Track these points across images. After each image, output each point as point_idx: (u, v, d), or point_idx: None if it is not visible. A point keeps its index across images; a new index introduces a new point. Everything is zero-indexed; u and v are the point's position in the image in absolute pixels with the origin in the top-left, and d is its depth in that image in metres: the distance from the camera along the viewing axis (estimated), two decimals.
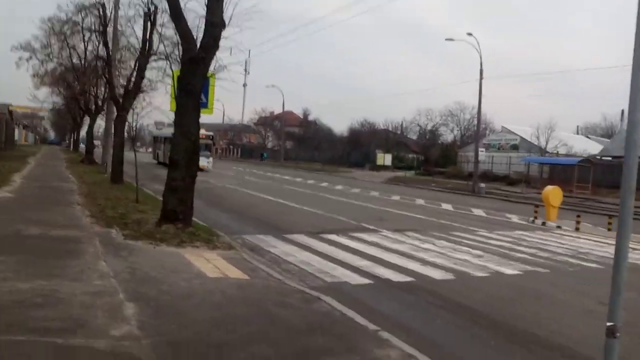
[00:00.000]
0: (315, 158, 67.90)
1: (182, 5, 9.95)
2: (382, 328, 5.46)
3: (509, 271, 9.47)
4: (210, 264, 7.86)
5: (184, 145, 9.89)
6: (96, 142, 40.94)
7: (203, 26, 9.81)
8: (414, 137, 74.58)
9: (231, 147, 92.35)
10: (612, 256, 3.61)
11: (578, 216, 16.60)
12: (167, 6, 16.61)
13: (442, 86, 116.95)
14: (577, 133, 63.33)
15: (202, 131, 30.55)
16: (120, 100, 19.08)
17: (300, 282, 7.61)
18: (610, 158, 40.61)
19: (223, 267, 7.73)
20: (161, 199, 15.85)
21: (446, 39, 35.57)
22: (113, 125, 22.29)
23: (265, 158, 77.06)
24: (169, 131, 30.58)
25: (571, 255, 11.65)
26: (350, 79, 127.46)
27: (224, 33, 9.62)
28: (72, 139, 66.35)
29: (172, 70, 11.51)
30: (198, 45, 9.81)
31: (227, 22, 9.52)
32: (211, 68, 10.43)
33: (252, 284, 6.86)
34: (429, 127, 70.53)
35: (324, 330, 5.21)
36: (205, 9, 9.35)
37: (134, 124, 16.43)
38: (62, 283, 5.90)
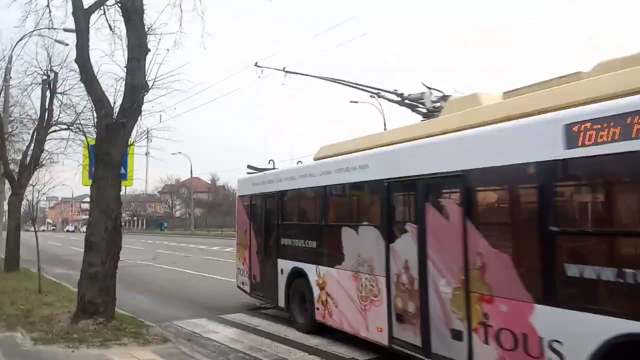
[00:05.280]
0: (227, 224, 65.78)
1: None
2: None
3: None
4: None
5: (103, 223, 8.55)
6: None
7: (118, 91, 8.85)
8: None
9: (135, 218, 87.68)
10: None
11: None
12: (68, 73, 15.46)
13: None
14: None
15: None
16: (16, 178, 16.93)
17: None
18: None
19: None
20: (67, 285, 14.13)
21: (350, 102, 36.09)
22: (6, 205, 19.81)
23: (165, 228, 74.36)
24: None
25: None
26: (253, 140, 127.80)
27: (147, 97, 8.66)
28: None
29: (86, 140, 10.19)
30: (116, 110, 8.76)
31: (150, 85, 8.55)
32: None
33: None
34: None
35: None
36: (125, 70, 8.36)
37: (34, 202, 14.40)
38: None
